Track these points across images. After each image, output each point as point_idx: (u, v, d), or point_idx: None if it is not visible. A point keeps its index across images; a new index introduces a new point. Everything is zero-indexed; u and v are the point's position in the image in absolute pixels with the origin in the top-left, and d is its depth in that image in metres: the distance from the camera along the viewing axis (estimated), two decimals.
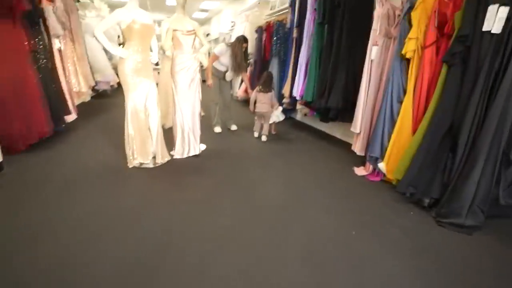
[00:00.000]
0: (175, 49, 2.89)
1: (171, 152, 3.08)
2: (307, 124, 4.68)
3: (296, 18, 3.98)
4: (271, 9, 5.46)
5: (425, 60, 2.13)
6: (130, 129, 2.68)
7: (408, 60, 2.30)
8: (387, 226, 1.90)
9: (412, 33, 2.16)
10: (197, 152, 3.10)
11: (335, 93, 3.19)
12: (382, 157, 2.50)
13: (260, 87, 3.66)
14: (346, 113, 3.26)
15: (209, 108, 4.13)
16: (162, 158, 2.87)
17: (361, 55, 3.12)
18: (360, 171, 2.75)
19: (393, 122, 2.42)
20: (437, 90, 2.02)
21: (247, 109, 6.22)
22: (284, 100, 4.28)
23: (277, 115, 3.93)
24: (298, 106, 4.06)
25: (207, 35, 12.19)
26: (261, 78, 3.74)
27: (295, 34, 4.04)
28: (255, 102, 3.71)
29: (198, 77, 2.98)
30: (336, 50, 3.22)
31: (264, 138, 3.75)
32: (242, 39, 3.77)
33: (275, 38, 4.73)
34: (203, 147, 3.26)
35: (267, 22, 5.13)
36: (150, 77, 2.70)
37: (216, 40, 10.50)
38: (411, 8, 2.24)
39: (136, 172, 2.66)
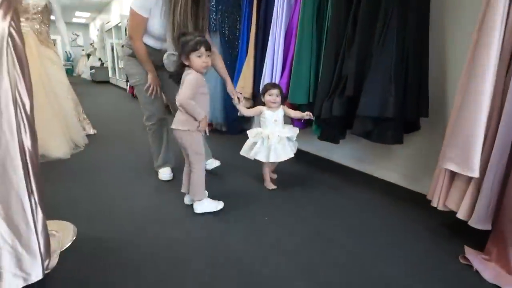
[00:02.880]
0: None
1: None
2: None
3: None
4: None
5: None
6: None
7: None
8: None
9: None
10: None
11: (373, 89, 1.55)
12: None
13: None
14: (388, 127, 1.66)
15: (137, 130, 2.00)
16: None
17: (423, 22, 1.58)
18: (487, 269, 1.16)
19: None
20: None
21: None
22: (234, 102, 2.39)
23: (290, 145, 1.81)
24: None
25: (107, 23, 9.39)
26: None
27: None
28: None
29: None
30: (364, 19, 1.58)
31: (197, 209, 1.51)
32: None
33: (213, 4, 2.88)
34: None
35: None
36: None
37: (117, 27, 7.92)
38: None
39: None
